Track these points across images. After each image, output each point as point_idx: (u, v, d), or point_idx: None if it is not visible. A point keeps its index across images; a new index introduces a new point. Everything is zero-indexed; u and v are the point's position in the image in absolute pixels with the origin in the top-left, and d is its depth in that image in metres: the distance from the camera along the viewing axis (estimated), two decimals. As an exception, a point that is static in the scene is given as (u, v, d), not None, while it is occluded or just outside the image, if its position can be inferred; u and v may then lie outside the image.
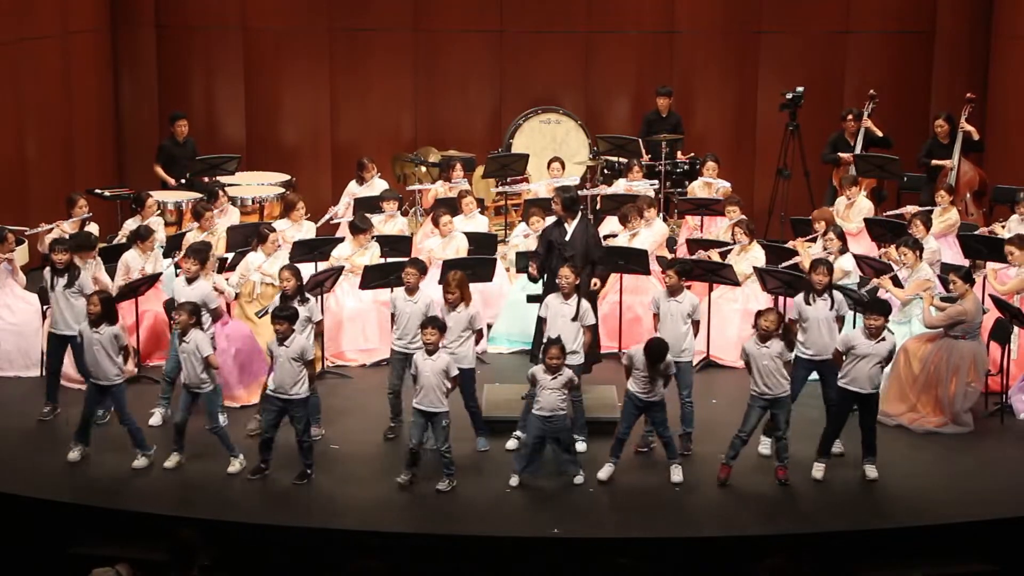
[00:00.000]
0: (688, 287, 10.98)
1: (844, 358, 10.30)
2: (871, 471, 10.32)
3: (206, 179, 15.40)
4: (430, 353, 10.07)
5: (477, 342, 10.90)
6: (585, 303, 10.75)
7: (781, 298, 12.50)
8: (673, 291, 10.76)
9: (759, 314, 10.32)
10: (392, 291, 11.43)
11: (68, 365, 11.94)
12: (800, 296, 10.83)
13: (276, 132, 17.78)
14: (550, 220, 11.78)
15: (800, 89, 16.22)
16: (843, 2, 17.34)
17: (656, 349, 10.09)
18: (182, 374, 10.47)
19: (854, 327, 11.73)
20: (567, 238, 11.20)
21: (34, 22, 15.53)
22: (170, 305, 11.98)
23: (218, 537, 9.02)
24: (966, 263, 12.91)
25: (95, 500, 9.93)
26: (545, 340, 10.32)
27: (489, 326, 13.02)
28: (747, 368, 10.31)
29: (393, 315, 11.05)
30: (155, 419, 11.15)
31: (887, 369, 11.45)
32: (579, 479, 10.20)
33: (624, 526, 9.66)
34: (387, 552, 9.06)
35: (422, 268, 11.22)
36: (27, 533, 9.79)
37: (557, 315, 10.66)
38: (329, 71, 17.62)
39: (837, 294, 10.80)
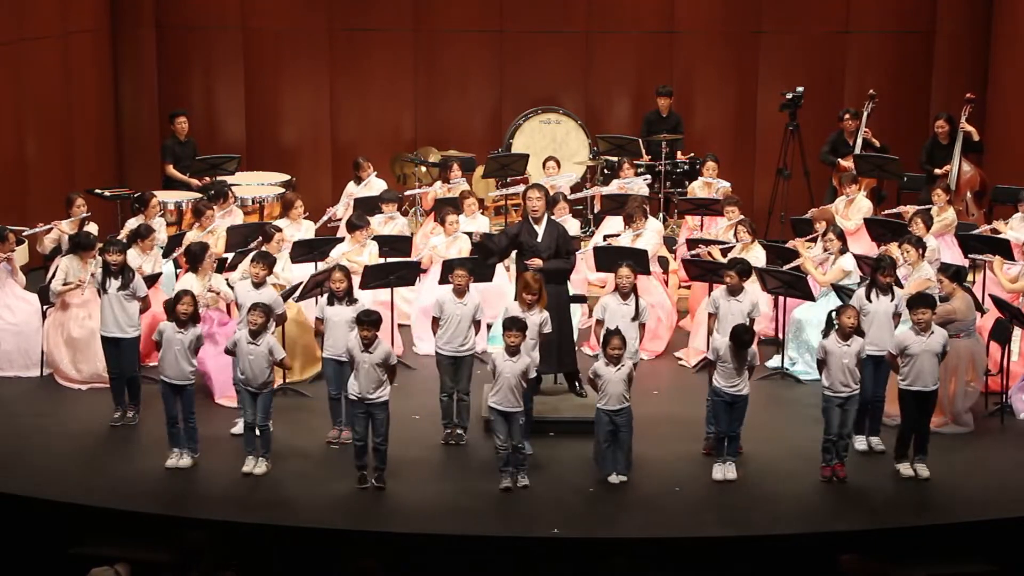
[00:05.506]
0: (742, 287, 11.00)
1: (900, 361, 10.26)
2: (923, 470, 10.31)
3: (210, 179, 15.37)
4: (512, 354, 10.07)
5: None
6: (643, 302, 10.85)
7: (780, 298, 12.51)
8: (733, 291, 10.82)
9: (839, 311, 10.26)
10: (403, 292, 11.23)
11: (69, 365, 11.96)
12: (861, 291, 10.81)
13: (276, 132, 17.76)
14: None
15: (800, 89, 16.21)
16: (843, 2, 17.33)
17: (742, 335, 10.07)
18: (244, 375, 10.33)
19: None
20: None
21: (34, 22, 15.52)
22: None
23: (221, 537, 9.01)
24: (965, 263, 12.90)
25: (95, 500, 9.91)
26: (604, 333, 10.31)
27: (489, 326, 13.00)
28: (819, 367, 10.29)
29: (436, 318, 11.00)
30: (238, 428, 10.91)
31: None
32: (614, 479, 10.18)
33: (624, 526, 9.66)
34: (386, 552, 9.06)
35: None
36: (27, 533, 9.78)
37: (616, 315, 10.71)
38: (329, 71, 17.61)
39: (898, 290, 10.80)
